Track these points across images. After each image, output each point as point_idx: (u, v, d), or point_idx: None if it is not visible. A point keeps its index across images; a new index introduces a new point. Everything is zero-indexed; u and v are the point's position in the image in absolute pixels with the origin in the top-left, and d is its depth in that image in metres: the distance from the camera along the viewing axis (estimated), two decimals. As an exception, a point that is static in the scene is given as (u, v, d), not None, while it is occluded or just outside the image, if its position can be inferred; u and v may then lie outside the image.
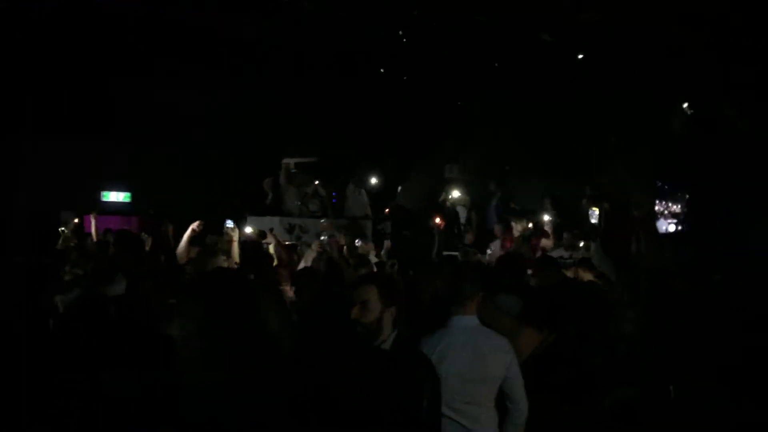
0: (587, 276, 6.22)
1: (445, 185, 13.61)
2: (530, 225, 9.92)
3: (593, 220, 9.16)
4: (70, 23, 10.10)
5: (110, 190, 13.02)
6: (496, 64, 12.15)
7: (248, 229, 8.35)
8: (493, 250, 9.75)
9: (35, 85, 10.06)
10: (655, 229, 4.61)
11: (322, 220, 9.70)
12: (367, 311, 3.05)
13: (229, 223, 7.21)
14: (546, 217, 9.93)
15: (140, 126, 11.93)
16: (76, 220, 9.62)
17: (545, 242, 9.56)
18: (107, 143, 11.68)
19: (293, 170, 12.16)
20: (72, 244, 8.49)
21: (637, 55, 9.71)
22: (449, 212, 12.89)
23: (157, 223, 10.50)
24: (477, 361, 3.34)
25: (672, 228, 4.40)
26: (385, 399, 2.28)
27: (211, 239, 8.04)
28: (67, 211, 10.39)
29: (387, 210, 12.64)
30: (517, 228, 9.52)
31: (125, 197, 13.32)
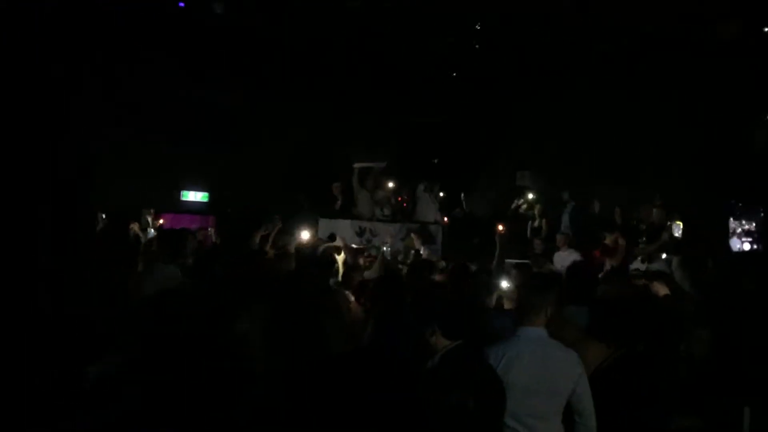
0: (662, 290, 6.04)
1: (517, 192, 13.50)
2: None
3: (677, 234, 8.82)
4: (149, 23, 10.50)
5: (189, 189, 13.43)
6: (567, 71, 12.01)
7: (304, 234, 8.46)
8: (557, 260, 9.56)
9: (113, 84, 10.50)
10: (729, 247, 4.42)
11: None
12: None
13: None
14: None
15: (217, 126, 12.31)
16: (162, 221, 9.94)
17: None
18: (186, 142, 12.08)
19: (356, 174, 12.27)
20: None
21: (715, 68, 9.40)
22: (521, 220, 12.76)
23: (234, 221, 10.84)
24: (544, 373, 3.29)
25: (747, 246, 4.21)
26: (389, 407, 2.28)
27: (282, 240, 8.26)
28: (148, 209, 10.80)
29: (446, 219, 12.59)
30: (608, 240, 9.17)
31: (203, 197, 13.72)
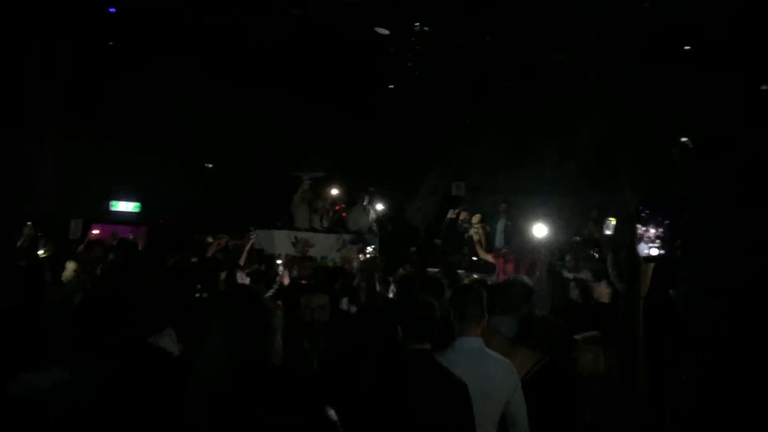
0: (604, 295, 6.21)
1: (453, 203, 13.70)
2: None
3: (608, 231, 8.98)
4: (83, 24, 10.21)
5: (119, 199, 13.14)
6: (503, 83, 12.23)
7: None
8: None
9: (44, 89, 10.17)
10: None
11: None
12: None
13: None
14: None
15: (150, 135, 12.04)
16: (96, 231, 9.68)
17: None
18: (117, 152, 11.79)
19: (305, 186, 12.23)
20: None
21: (644, 81, 9.79)
22: (458, 230, 12.94)
23: (167, 233, 10.66)
24: (482, 382, 3.30)
25: (654, 252, 4.41)
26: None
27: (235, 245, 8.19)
28: (76, 219, 10.48)
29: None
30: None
31: (135, 207, 13.43)
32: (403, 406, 2.93)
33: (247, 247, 6.86)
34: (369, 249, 10.49)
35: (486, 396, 3.33)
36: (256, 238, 10.34)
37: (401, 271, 8.37)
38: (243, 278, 6.47)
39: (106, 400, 2.52)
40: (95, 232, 9.63)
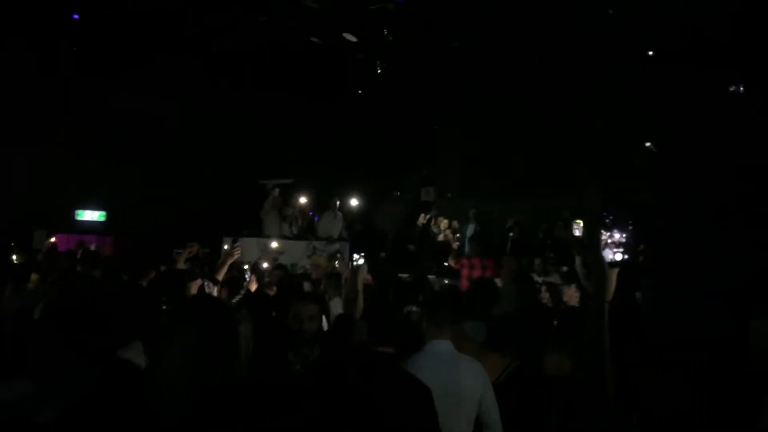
0: (574, 299, 6.23)
1: (423, 208, 13.74)
2: None
3: (577, 233, 9.01)
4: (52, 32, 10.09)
5: (85, 209, 12.94)
6: (471, 89, 12.30)
7: None
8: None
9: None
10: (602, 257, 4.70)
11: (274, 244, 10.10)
12: None
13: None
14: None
15: (117, 144, 11.89)
16: (53, 239, 9.52)
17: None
18: (82, 161, 11.62)
19: (275, 193, 12.15)
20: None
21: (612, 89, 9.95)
22: (429, 235, 12.98)
23: (133, 242, 10.53)
24: (454, 385, 3.33)
25: (618, 257, 4.46)
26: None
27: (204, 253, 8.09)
28: (41, 230, 10.30)
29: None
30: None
31: (100, 216, 13.23)
32: (365, 410, 2.91)
33: (231, 260, 6.70)
34: (356, 256, 10.47)
35: (458, 397, 3.35)
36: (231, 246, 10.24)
37: (368, 277, 8.36)
38: (210, 287, 6.36)
39: (71, 414, 2.45)
40: (53, 239, 9.50)
